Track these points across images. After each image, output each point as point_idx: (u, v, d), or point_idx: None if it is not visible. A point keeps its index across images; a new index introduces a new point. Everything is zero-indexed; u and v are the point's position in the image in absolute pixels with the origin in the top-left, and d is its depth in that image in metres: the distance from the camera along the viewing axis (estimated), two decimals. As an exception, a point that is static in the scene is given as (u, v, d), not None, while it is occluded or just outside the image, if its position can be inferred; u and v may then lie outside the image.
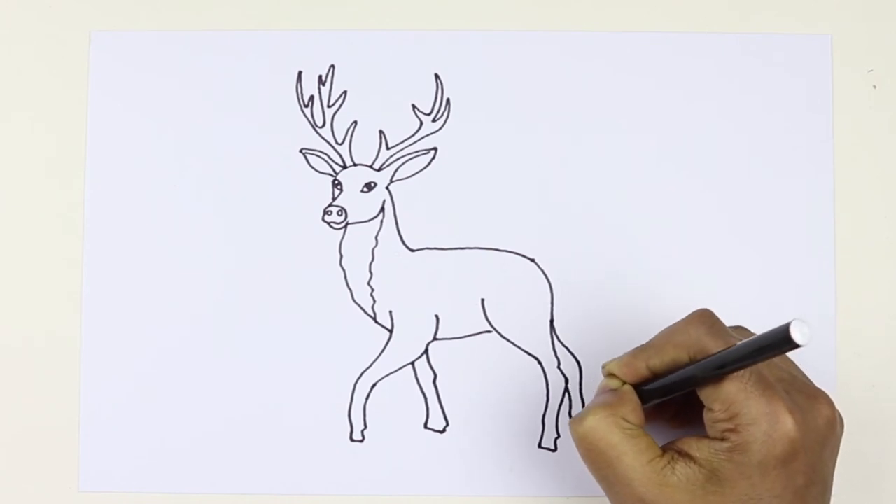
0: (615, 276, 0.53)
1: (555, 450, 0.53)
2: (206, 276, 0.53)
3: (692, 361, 0.43)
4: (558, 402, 0.53)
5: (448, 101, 0.54)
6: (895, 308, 0.53)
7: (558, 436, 0.53)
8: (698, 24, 0.54)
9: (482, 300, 0.53)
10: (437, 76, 0.54)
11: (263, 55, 0.54)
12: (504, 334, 0.53)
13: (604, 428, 0.43)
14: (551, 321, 0.53)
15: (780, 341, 0.37)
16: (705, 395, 0.42)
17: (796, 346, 0.37)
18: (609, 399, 0.45)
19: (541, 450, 0.53)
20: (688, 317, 0.44)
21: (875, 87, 0.54)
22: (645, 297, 0.53)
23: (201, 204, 0.54)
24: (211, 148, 0.54)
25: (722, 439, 0.42)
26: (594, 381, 0.53)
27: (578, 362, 0.53)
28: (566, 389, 0.53)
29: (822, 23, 0.54)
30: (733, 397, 0.41)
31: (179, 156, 0.54)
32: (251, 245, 0.53)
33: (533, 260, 0.53)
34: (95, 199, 0.54)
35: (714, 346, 0.42)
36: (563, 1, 0.54)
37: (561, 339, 0.53)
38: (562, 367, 0.53)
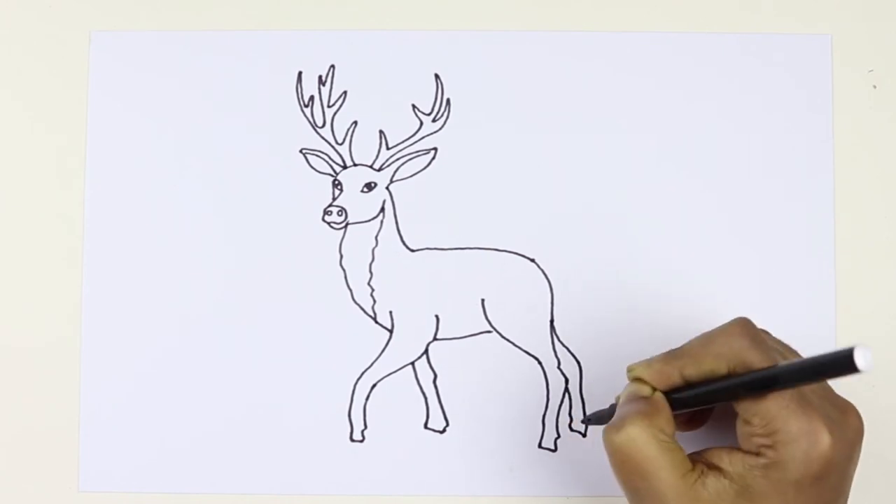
0: (615, 276, 0.53)
1: (555, 450, 0.53)
2: (206, 275, 0.53)
3: (731, 373, 0.42)
4: (558, 402, 0.53)
5: (448, 101, 0.54)
6: (895, 308, 0.53)
7: (558, 436, 0.53)
8: (698, 24, 0.54)
9: (482, 300, 0.53)
10: (437, 76, 0.54)
11: (263, 55, 0.54)
12: (504, 334, 0.53)
13: (643, 440, 0.42)
14: (551, 321, 0.53)
15: (842, 366, 0.36)
16: (743, 408, 0.41)
17: (857, 371, 0.35)
18: (645, 409, 0.43)
19: (541, 450, 0.53)
20: (727, 326, 0.43)
21: (875, 87, 0.54)
22: (645, 296, 0.53)
23: (201, 204, 0.54)
24: (211, 148, 0.54)
25: (757, 454, 0.41)
26: (594, 381, 0.53)
27: (578, 362, 0.53)
28: (566, 389, 0.53)
29: (822, 23, 0.54)
30: (774, 413, 0.40)
31: (179, 156, 0.54)
32: (251, 245, 0.53)
33: (533, 260, 0.53)
34: (95, 199, 0.54)
35: (757, 360, 0.41)
36: (563, 1, 0.54)
37: (561, 339, 0.53)
38: (562, 367, 0.53)
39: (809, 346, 0.52)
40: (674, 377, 0.43)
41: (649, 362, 0.44)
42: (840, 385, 0.52)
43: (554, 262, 0.53)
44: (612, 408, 0.46)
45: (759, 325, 0.44)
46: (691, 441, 0.48)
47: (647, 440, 0.42)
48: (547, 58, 0.54)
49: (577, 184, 0.53)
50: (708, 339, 0.43)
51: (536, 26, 0.54)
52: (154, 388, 0.53)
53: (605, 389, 0.52)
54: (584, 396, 0.53)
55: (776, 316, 0.52)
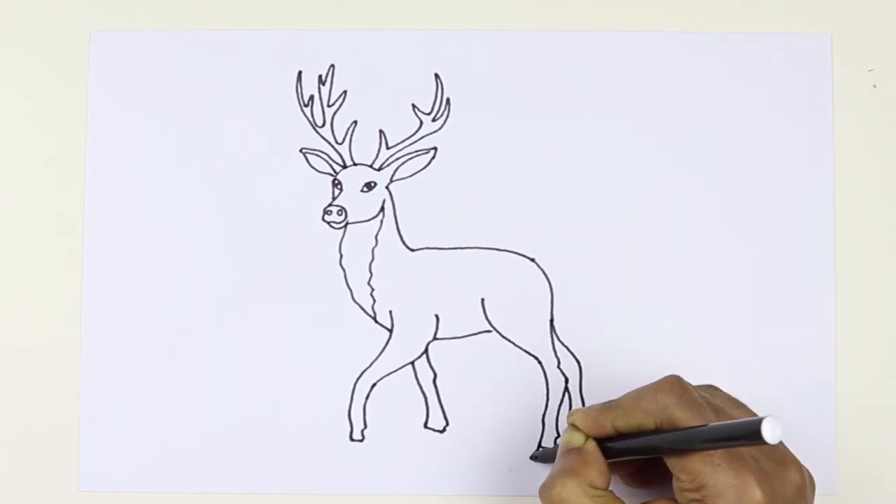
0: (615, 275, 0.53)
1: (555, 450, 0.53)
2: (206, 275, 0.53)
3: (658, 429, 0.43)
4: (558, 401, 0.53)
5: (448, 100, 0.54)
6: (895, 308, 0.53)
7: (558, 436, 0.53)
8: (698, 24, 0.54)
9: (482, 300, 0.53)
10: (437, 76, 0.54)
11: (263, 55, 0.54)
12: (504, 334, 0.53)
13: (574, 497, 0.43)
14: (551, 321, 0.53)
15: (750, 435, 0.37)
16: (671, 462, 0.42)
17: (764, 442, 0.36)
18: (574, 464, 0.45)
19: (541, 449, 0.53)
20: (658, 382, 0.44)
21: (875, 86, 0.54)
22: (645, 296, 0.53)
23: (201, 204, 0.54)
24: (211, 147, 0.54)
25: None
26: (594, 380, 0.53)
27: (578, 362, 0.53)
28: (566, 389, 0.53)
29: (822, 23, 0.54)
30: (700, 468, 0.41)
31: (179, 155, 0.54)
32: (251, 245, 0.53)
33: (533, 260, 0.53)
34: (95, 199, 0.54)
35: (682, 418, 0.42)
36: (563, 1, 0.54)
37: (561, 338, 0.53)
38: (562, 366, 0.53)
39: (809, 346, 0.52)
40: (606, 427, 0.45)
41: (587, 410, 0.46)
42: (840, 384, 0.52)
43: (554, 261, 0.53)
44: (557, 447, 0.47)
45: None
46: (647, 492, 0.49)
47: (578, 497, 0.43)
48: (547, 58, 0.54)
49: (576, 183, 0.53)
50: (639, 394, 0.44)
51: (536, 26, 0.54)
52: (154, 388, 0.53)
53: (605, 389, 0.52)
54: (584, 396, 0.53)
55: (776, 316, 0.52)
